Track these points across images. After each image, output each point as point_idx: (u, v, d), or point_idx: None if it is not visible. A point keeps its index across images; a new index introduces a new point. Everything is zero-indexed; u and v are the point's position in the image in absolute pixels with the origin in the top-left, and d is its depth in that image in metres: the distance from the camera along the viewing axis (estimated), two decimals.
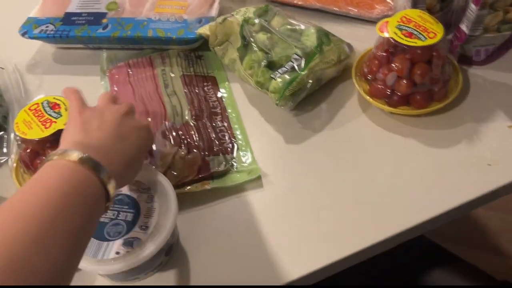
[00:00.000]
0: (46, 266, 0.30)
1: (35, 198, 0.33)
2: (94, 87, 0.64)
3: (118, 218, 0.43)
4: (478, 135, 0.54)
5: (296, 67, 0.56)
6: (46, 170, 0.36)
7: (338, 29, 0.67)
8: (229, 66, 0.63)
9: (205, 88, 0.62)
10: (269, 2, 0.71)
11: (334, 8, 0.69)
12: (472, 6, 0.55)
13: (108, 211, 0.40)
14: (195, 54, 0.67)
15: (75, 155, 0.36)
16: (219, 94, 0.61)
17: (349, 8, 0.68)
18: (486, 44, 0.58)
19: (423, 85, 0.53)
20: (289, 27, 0.61)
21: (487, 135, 0.53)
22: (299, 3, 0.71)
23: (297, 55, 0.56)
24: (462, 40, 0.58)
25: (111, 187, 0.37)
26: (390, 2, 0.68)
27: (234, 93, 0.62)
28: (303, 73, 0.55)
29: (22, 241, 0.29)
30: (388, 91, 0.55)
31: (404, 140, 0.54)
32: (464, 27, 0.58)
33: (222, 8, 0.69)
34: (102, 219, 0.43)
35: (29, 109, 0.50)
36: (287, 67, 0.56)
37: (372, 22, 0.68)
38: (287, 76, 0.55)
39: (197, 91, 0.61)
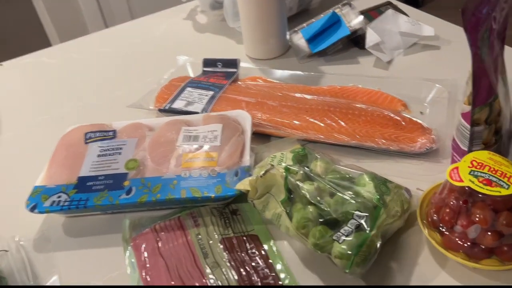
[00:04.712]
0: None
1: None
2: (117, 260, 0.55)
3: None
4: None
5: (363, 225, 0.48)
6: None
7: (380, 167, 0.62)
8: (272, 220, 0.55)
9: (250, 252, 0.54)
10: (301, 143, 0.66)
11: (372, 145, 0.64)
12: None
13: None
14: (230, 209, 0.59)
15: None
16: (266, 257, 0.53)
17: (389, 143, 0.64)
18: None
19: (511, 236, 0.47)
20: (337, 175, 0.55)
21: None
22: (333, 141, 0.66)
23: (360, 211, 0.49)
24: None
25: None
26: (432, 134, 0.64)
27: (283, 254, 0.54)
28: (372, 233, 0.48)
29: None
30: (468, 244, 0.48)
31: None
32: None
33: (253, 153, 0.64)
34: None
35: None
36: (350, 226, 0.49)
37: (415, 155, 0.63)
38: (352, 238, 0.48)
39: (242, 257, 0.53)
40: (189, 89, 0.79)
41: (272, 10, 0.84)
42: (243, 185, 0.55)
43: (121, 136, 0.66)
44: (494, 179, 0.46)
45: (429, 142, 0.63)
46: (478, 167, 0.48)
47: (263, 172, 0.55)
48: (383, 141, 0.64)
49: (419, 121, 0.67)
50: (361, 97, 0.74)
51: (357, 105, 0.70)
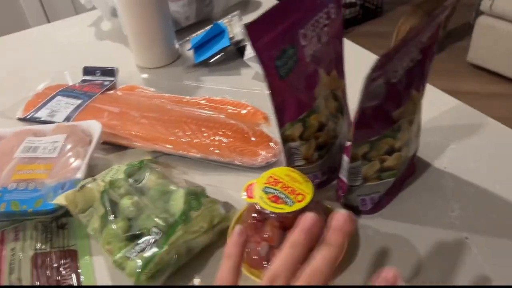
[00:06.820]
0: None
1: None
2: None
3: None
4: None
5: (157, 241, 0.48)
6: None
7: (222, 179, 0.62)
8: (94, 236, 0.55)
9: (61, 268, 0.52)
10: (154, 155, 0.65)
11: (218, 158, 0.64)
12: (345, 158, 0.50)
13: None
14: (58, 223, 0.58)
15: None
16: (78, 274, 0.52)
17: (234, 156, 0.63)
18: (370, 192, 0.53)
19: None
20: (161, 189, 0.54)
21: None
22: (181, 154, 0.65)
23: (157, 227, 0.49)
24: (344, 191, 0.53)
25: None
26: (274, 146, 0.63)
27: (95, 271, 0.53)
28: (162, 250, 0.47)
29: None
30: (265, 263, 0.47)
31: None
32: (343, 176, 0.53)
33: (94, 166, 0.63)
34: None
35: None
36: (145, 243, 0.48)
37: (259, 169, 0.63)
38: (143, 255, 0.47)
39: (49, 274, 0.51)
40: (59, 97, 0.77)
41: (152, 20, 0.83)
42: (60, 199, 0.54)
43: None
44: (282, 196, 0.46)
45: (271, 156, 0.63)
46: (273, 183, 0.48)
47: (80, 185, 0.55)
48: (229, 154, 0.64)
49: (270, 134, 0.66)
50: (226, 109, 0.74)
51: (215, 117, 0.70)
